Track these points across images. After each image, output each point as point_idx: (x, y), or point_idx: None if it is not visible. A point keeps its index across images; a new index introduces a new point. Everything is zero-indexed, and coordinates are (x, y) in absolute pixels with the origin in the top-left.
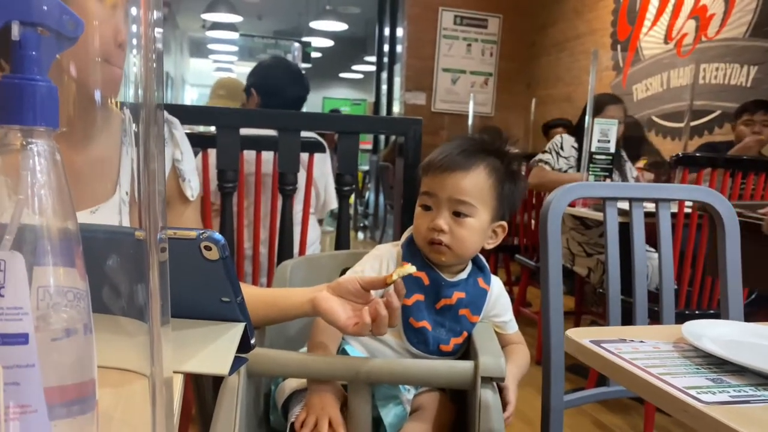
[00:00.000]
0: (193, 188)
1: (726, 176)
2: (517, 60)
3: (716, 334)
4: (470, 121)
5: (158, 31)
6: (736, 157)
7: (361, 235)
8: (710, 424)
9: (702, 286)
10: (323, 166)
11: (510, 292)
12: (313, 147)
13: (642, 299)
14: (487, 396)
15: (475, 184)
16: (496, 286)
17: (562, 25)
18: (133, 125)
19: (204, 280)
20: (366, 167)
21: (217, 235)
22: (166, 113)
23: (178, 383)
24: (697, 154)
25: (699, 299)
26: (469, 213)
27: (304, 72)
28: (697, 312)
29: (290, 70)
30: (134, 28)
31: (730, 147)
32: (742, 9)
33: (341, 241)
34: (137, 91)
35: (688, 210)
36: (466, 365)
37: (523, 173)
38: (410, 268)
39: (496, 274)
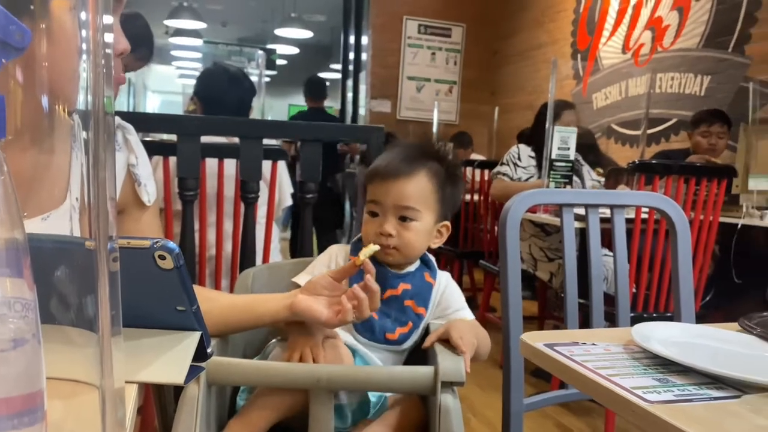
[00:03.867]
0: (149, 193)
1: (680, 183)
2: (481, 69)
3: (665, 336)
4: (435, 129)
5: (108, 36)
6: (689, 164)
7: (344, 244)
8: (654, 422)
9: (659, 289)
10: (280, 169)
11: (474, 298)
12: (275, 155)
13: (599, 302)
14: (447, 400)
15: (418, 189)
16: (443, 280)
17: (524, 34)
18: (83, 132)
19: (159, 289)
20: None
21: (171, 244)
22: (118, 119)
23: (131, 394)
24: (653, 162)
25: (656, 302)
26: (414, 217)
27: (267, 77)
28: (654, 315)
29: (228, 74)
30: (83, 32)
31: (686, 154)
32: (696, 21)
33: (304, 248)
34: (86, 97)
35: (645, 215)
36: (426, 371)
37: (464, 177)
38: (374, 247)
39: (460, 280)
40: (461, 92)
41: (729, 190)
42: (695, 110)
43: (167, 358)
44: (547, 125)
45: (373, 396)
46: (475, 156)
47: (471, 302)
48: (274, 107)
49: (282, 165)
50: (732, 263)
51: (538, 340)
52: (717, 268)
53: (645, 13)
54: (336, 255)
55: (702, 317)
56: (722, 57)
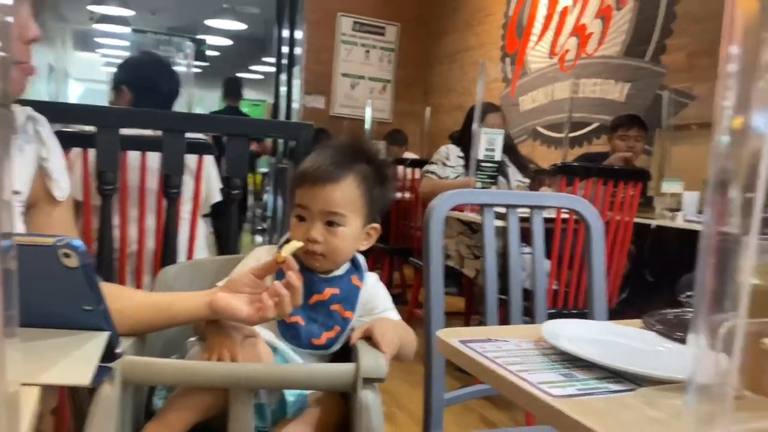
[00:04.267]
0: (62, 188)
1: (599, 184)
2: (414, 68)
3: (572, 333)
4: (368, 127)
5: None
6: (608, 167)
7: (259, 238)
8: (557, 415)
9: (578, 286)
10: (208, 163)
11: (404, 295)
12: (200, 149)
13: (517, 299)
14: (368, 397)
15: (346, 194)
16: (370, 282)
17: (455, 36)
18: None
19: (64, 288)
20: (266, 169)
21: (76, 242)
22: (30, 110)
23: (32, 397)
24: (574, 164)
25: (576, 299)
26: (342, 222)
27: (198, 69)
28: (574, 311)
29: (162, 64)
30: None
31: (607, 157)
32: (617, 30)
33: (229, 246)
34: None
35: (567, 215)
36: (347, 368)
37: (396, 175)
38: (297, 244)
39: (390, 276)
40: (395, 91)
41: (644, 192)
42: (616, 115)
43: (73, 359)
44: (473, 127)
45: (291, 395)
46: (409, 155)
47: (400, 299)
48: (205, 100)
49: (209, 159)
50: (646, 262)
51: (453, 336)
52: (633, 266)
53: (570, 20)
54: (262, 258)
55: (618, 313)
56: (640, 65)
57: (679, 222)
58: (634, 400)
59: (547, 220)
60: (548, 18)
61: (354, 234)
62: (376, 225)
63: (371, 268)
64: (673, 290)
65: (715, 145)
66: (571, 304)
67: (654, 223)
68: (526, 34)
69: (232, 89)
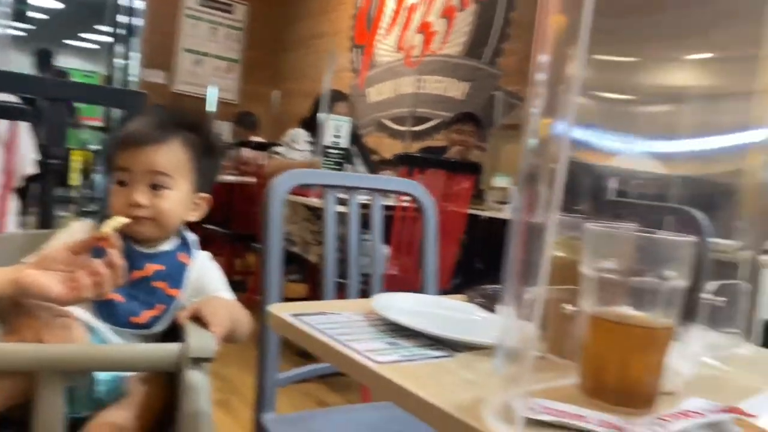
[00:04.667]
0: None
1: (437, 175)
2: (265, 51)
3: (402, 305)
4: (212, 107)
5: None
6: (445, 159)
7: (89, 221)
8: (380, 380)
9: (416, 271)
10: (21, 131)
11: (245, 282)
12: (15, 114)
13: (355, 281)
14: (195, 378)
15: (171, 157)
16: (200, 260)
17: (308, 22)
18: None
19: None
20: (97, 146)
21: None
22: None
23: None
24: (415, 155)
25: (413, 283)
26: (167, 185)
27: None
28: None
29: None
30: None
31: (445, 151)
32: (459, 30)
33: (45, 220)
34: None
35: (408, 204)
36: (170, 348)
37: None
38: (122, 219)
39: (232, 263)
40: (243, 72)
41: (478, 185)
42: (456, 112)
43: None
44: (321, 114)
45: (102, 377)
46: (258, 139)
47: (241, 286)
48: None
49: (24, 127)
50: (477, 251)
51: (285, 311)
52: (464, 255)
53: (417, 17)
54: (78, 234)
55: (449, 292)
56: (479, 66)
57: (506, 214)
58: (452, 364)
59: (387, 208)
60: (396, 13)
61: (182, 199)
62: (206, 195)
63: (213, 254)
64: (500, 277)
65: (524, 146)
66: (408, 288)
67: (485, 214)
68: (374, 27)
69: (42, 61)
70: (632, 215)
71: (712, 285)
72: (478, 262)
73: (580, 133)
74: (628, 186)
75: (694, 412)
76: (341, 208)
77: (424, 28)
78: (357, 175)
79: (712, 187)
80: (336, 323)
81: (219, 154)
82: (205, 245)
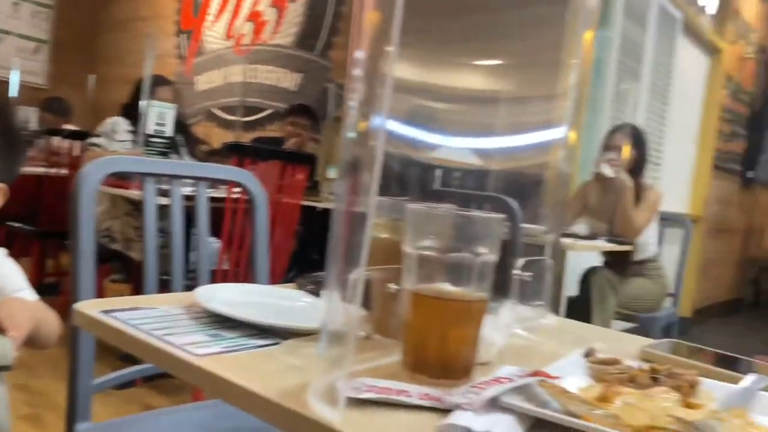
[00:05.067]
0: None
1: (270, 167)
2: (77, 32)
3: (226, 296)
4: (14, 91)
5: None
6: (278, 150)
7: None
8: (200, 373)
9: (248, 265)
10: None
11: (59, 284)
12: None
13: (179, 276)
14: None
15: None
16: None
17: (127, 3)
18: None
19: None
20: None
21: None
22: None
23: None
24: (246, 144)
25: (246, 278)
26: None
27: None
28: None
29: None
30: None
31: (281, 142)
32: (290, 21)
33: None
34: None
35: (238, 195)
36: None
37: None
38: None
39: (43, 264)
40: (53, 54)
41: (313, 177)
42: (289, 103)
43: None
44: (142, 100)
45: None
46: (69, 127)
47: (55, 289)
48: None
49: None
50: (313, 242)
51: (94, 308)
52: (300, 246)
53: (246, 5)
54: None
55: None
56: (311, 58)
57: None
58: (277, 351)
59: (217, 200)
60: (225, 0)
61: None
62: (3, 185)
63: (18, 254)
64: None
65: (343, 138)
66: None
67: (321, 205)
68: (202, 12)
69: None
70: (454, 203)
71: (520, 262)
72: (315, 253)
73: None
74: (450, 178)
75: (504, 378)
76: (164, 200)
77: (255, 17)
78: (180, 162)
79: (522, 179)
80: (151, 318)
81: (20, 146)
82: (7, 244)
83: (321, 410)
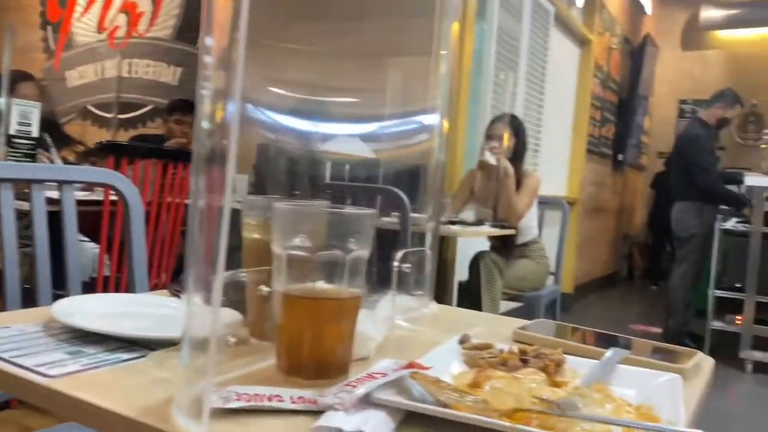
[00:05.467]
0: None
1: (151, 166)
2: None
3: (92, 308)
4: None
5: None
6: (158, 148)
7: None
8: (51, 397)
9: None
10: None
11: None
12: None
13: (45, 286)
14: None
15: None
16: None
17: None
18: None
19: None
20: None
21: None
22: None
23: None
24: (123, 143)
25: (129, 284)
26: None
27: None
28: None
29: None
30: None
31: (164, 140)
32: (168, 12)
33: None
34: None
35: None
36: None
37: None
38: None
39: None
40: None
41: None
42: (170, 98)
43: None
44: (2, 99)
45: None
46: None
47: None
48: None
49: None
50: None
51: None
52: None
53: None
54: None
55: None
56: (192, 51)
57: (232, 204)
58: (145, 364)
59: (96, 203)
60: None
61: None
62: None
63: None
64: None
65: (197, 128)
66: (124, 289)
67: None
68: (70, 3)
69: None
70: (346, 196)
71: (399, 253)
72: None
73: (292, 122)
74: (341, 170)
75: (378, 373)
76: (27, 205)
77: (129, 8)
78: (39, 165)
79: (409, 169)
80: (2, 339)
81: None
82: None
83: (184, 425)
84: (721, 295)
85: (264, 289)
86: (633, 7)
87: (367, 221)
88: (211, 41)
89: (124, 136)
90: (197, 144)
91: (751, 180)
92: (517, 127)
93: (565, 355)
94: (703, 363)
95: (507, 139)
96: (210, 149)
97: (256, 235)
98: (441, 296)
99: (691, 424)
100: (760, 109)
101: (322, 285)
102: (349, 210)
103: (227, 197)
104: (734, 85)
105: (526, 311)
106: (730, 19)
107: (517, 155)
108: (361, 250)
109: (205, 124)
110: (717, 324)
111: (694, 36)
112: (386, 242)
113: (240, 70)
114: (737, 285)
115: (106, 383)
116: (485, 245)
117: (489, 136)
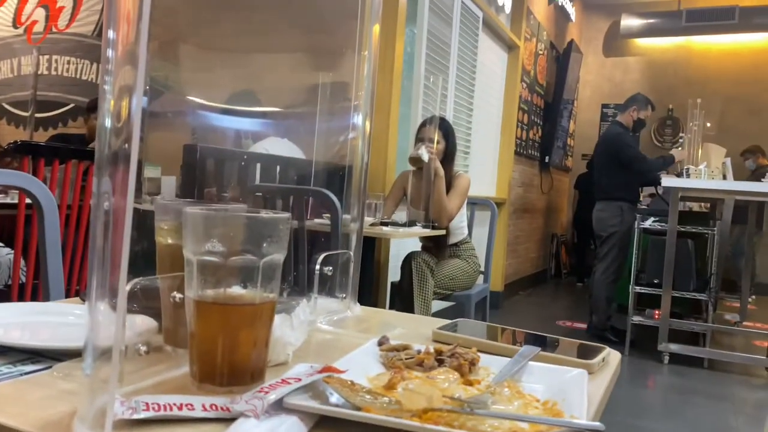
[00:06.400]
0: None
1: (69, 167)
2: None
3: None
4: None
5: None
6: (79, 149)
7: None
8: None
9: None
10: None
11: None
12: None
13: None
14: None
15: None
16: None
17: None
18: None
19: None
20: None
21: None
22: None
23: None
24: (40, 143)
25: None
26: None
27: None
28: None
29: None
30: None
31: (83, 139)
32: (90, 8)
33: None
34: None
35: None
36: None
37: None
38: None
39: None
40: None
41: None
42: (92, 96)
43: None
44: None
45: None
46: None
47: None
48: None
49: None
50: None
51: None
52: None
53: None
54: None
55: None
56: None
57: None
58: (50, 377)
59: (11, 206)
60: None
61: None
62: None
63: None
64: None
65: (100, 127)
66: (41, 296)
67: (141, 207)
68: None
69: None
70: (277, 198)
71: (320, 257)
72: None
73: (221, 121)
74: (272, 171)
75: (292, 378)
76: None
77: (49, 3)
78: None
79: (338, 170)
80: None
81: None
82: None
83: None
84: (641, 291)
85: (176, 295)
86: (558, 14)
87: (282, 225)
88: (113, 34)
89: (43, 136)
90: (100, 143)
91: (668, 181)
92: (446, 130)
93: (479, 354)
94: (611, 358)
95: (437, 142)
96: (114, 149)
97: (169, 240)
98: (374, 297)
99: (596, 417)
100: (676, 113)
101: (236, 290)
102: (263, 214)
103: (130, 199)
104: (652, 90)
105: (458, 310)
106: (647, 28)
107: (447, 157)
108: (275, 254)
109: (108, 123)
110: (637, 318)
111: (615, 43)
112: (318, 244)
113: (143, 64)
114: (655, 281)
115: (6, 397)
116: (417, 246)
117: (419, 139)
